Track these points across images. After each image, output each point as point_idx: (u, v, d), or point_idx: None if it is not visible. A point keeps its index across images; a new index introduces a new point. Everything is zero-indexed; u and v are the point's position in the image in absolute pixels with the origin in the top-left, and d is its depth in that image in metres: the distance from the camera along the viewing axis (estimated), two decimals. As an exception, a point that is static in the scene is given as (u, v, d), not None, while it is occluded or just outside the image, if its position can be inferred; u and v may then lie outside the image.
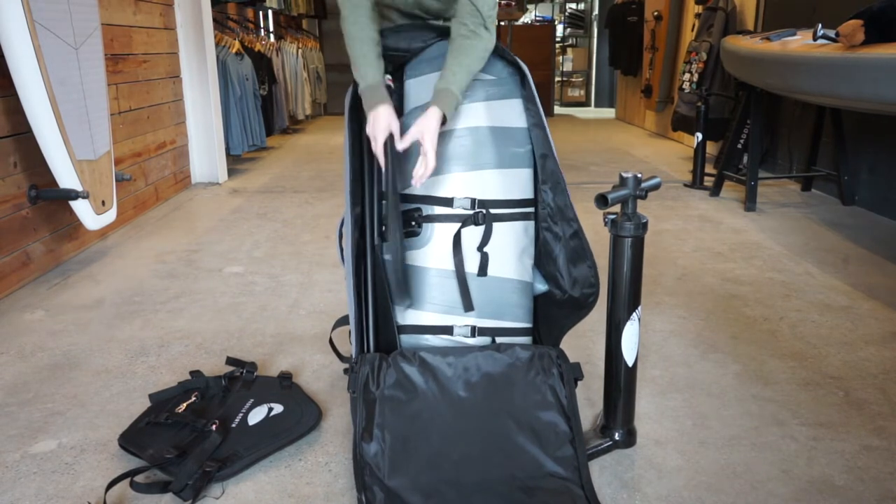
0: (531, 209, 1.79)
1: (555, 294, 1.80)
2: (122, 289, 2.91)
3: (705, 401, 1.96)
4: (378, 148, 1.66)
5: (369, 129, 1.68)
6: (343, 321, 1.98)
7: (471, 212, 1.70)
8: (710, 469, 1.66)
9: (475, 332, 1.72)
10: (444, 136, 1.71)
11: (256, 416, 1.81)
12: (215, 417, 1.77)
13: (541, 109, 1.73)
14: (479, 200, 1.71)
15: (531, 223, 1.80)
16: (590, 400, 1.97)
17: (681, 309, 2.62)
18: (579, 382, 2.04)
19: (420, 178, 1.62)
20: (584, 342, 2.32)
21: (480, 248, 1.71)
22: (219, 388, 1.94)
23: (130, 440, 1.74)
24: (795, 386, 2.04)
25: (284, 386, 1.96)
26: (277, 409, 1.84)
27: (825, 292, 2.76)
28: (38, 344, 2.38)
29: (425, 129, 1.61)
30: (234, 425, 1.77)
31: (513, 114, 1.74)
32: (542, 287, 1.85)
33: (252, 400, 1.88)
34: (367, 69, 1.68)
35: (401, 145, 1.64)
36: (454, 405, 1.58)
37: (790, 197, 4.43)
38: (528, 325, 1.80)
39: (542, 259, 1.83)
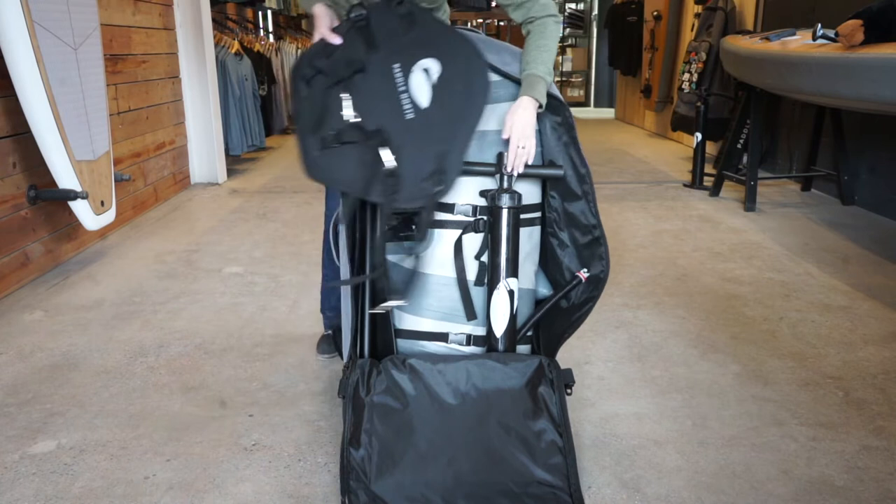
0: (537, 214, 1.76)
1: (559, 303, 1.78)
2: (121, 289, 2.90)
3: (705, 401, 1.96)
4: (329, 36, 1.63)
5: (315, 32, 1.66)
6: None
7: (472, 219, 1.68)
8: (710, 469, 1.66)
9: (470, 340, 1.70)
10: None
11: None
12: None
13: (570, 117, 1.69)
14: (482, 207, 1.68)
15: (536, 229, 1.77)
16: (589, 400, 1.97)
17: (681, 309, 2.61)
18: (577, 384, 2.04)
19: (517, 167, 1.61)
20: (583, 342, 2.32)
21: (478, 257, 1.68)
22: None
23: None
24: (795, 386, 2.04)
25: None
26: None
27: (825, 292, 2.76)
28: (38, 344, 2.38)
29: (518, 121, 1.60)
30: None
31: None
32: (545, 291, 1.83)
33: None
34: None
35: (509, 164, 1.62)
36: (443, 413, 1.57)
37: (790, 197, 4.43)
38: (527, 334, 1.79)
39: (549, 265, 1.81)
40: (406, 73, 1.59)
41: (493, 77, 1.68)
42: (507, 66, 1.70)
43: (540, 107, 1.62)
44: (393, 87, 1.58)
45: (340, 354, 2.01)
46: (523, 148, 1.60)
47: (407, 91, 1.58)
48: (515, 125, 1.60)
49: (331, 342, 2.26)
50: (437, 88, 1.58)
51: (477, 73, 1.61)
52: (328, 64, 1.59)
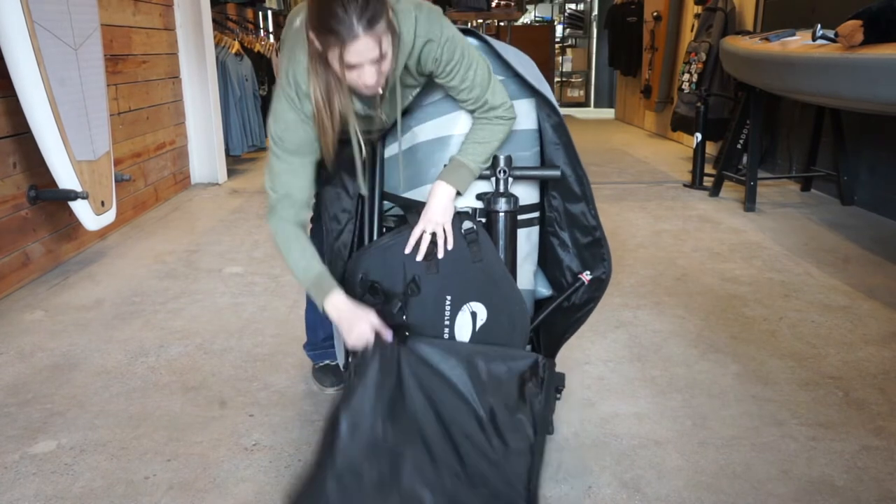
0: (535, 214, 1.76)
1: (561, 303, 1.77)
2: (121, 289, 2.90)
3: (705, 401, 1.96)
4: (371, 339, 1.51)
5: (348, 335, 1.52)
6: None
7: (469, 224, 1.67)
8: (710, 469, 1.66)
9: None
10: (442, 141, 1.68)
11: None
12: None
13: (563, 121, 1.68)
14: (479, 210, 1.67)
15: (535, 229, 1.77)
16: (589, 400, 1.97)
17: (680, 309, 2.61)
18: (577, 384, 2.05)
19: (436, 250, 1.57)
20: (583, 342, 2.32)
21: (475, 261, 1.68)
22: None
23: None
24: (795, 386, 2.04)
25: None
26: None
27: (825, 292, 2.76)
28: (38, 344, 2.38)
29: (433, 207, 1.55)
30: None
31: (519, 116, 1.69)
32: (545, 292, 1.83)
33: None
34: (308, 265, 1.56)
35: (409, 246, 1.57)
36: (427, 392, 1.53)
37: (790, 197, 4.43)
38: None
39: (549, 264, 1.81)
40: (455, 309, 1.60)
41: (498, 77, 1.67)
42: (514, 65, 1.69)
43: (458, 194, 1.58)
44: (440, 318, 1.60)
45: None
46: (433, 233, 1.56)
47: (451, 327, 1.60)
48: (430, 210, 1.56)
49: (338, 372, 2.05)
50: (478, 335, 1.61)
51: (519, 329, 1.62)
52: (386, 276, 1.59)
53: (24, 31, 2.60)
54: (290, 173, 1.56)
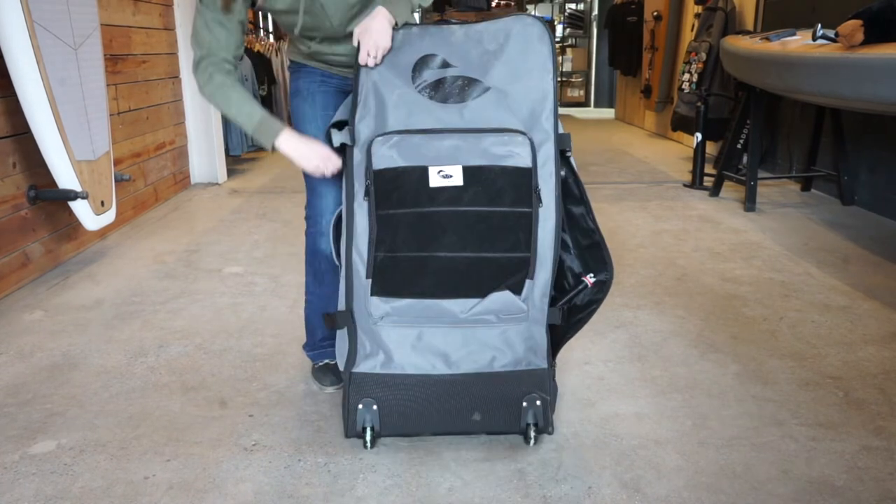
0: None
1: (563, 304, 1.77)
2: (121, 289, 2.90)
3: (705, 401, 1.96)
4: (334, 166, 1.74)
5: (307, 165, 1.75)
6: None
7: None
8: (710, 469, 1.65)
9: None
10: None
11: None
12: None
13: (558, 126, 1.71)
14: None
15: None
16: (589, 400, 1.97)
17: (680, 309, 2.61)
18: (577, 384, 2.04)
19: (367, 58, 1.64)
20: (583, 342, 2.32)
21: None
22: None
23: None
24: (795, 386, 2.04)
25: None
26: None
27: (825, 292, 2.76)
28: (37, 344, 2.38)
29: (373, 30, 1.61)
30: None
31: None
32: None
33: None
34: (251, 110, 1.73)
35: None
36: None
37: (790, 197, 4.43)
38: None
39: None
40: None
41: None
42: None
43: (395, 26, 1.64)
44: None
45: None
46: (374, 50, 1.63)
47: None
48: (368, 34, 1.62)
49: (337, 371, 2.02)
50: None
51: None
52: None
53: (23, 30, 2.60)
54: (207, 29, 1.68)
